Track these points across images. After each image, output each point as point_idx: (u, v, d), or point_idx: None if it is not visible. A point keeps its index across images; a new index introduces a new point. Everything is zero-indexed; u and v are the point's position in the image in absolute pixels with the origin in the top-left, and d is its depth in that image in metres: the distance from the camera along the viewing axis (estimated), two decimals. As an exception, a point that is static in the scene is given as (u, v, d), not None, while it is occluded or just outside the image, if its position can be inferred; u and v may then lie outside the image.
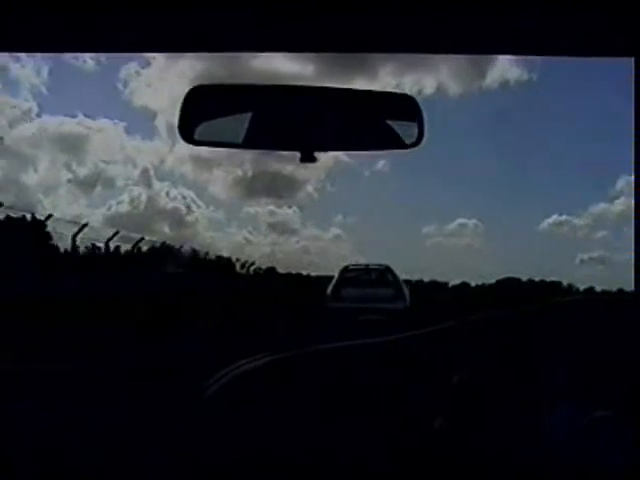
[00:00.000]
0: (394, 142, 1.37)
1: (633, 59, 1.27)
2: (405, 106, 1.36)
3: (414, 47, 1.35)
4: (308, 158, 1.32)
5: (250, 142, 1.37)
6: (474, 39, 1.30)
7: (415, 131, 1.34)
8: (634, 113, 1.27)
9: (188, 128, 1.35)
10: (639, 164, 1.26)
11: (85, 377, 1.36)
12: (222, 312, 13.28)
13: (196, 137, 1.35)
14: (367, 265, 16.34)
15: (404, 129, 1.36)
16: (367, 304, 14.13)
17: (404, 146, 1.36)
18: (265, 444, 1.19)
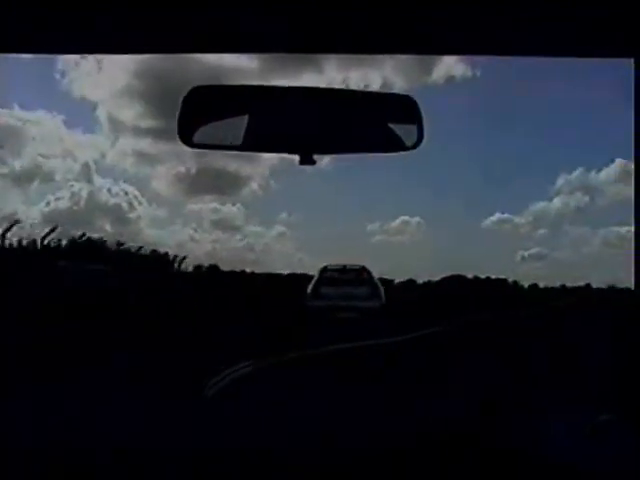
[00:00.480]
0: (394, 144, 1.36)
1: (633, 60, 1.26)
2: (405, 108, 1.35)
3: (412, 48, 1.35)
4: (307, 160, 1.31)
5: (249, 145, 1.37)
6: (473, 39, 1.30)
7: (415, 133, 1.34)
8: (634, 113, 1.27)
9: (187, 130, 1.34)
10: (639, 164, 1.26)
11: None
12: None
13: (195, 140, 1.35)
14: (344, 265, 17.05)
15: (403, 131, 1.35)
16: (344, 302, 14.87)
17: (404, 148, 1.36)
18: (265, 444, 1.19)
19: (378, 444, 1.13)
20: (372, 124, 1.38)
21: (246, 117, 1.36)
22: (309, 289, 16.22)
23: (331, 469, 1.13)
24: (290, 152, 1.33)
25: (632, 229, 1.29)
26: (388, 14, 1.23)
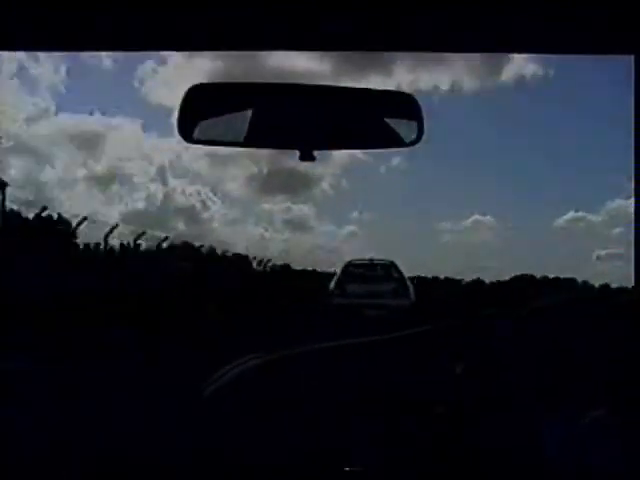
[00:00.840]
0: (393, 140, 1.37)
1: (633, 57, 1.26)
2: (405, 104, 1.36)
3: (417, 46, 1.35)
4: (307, 156, 1.31)
5: (250, 141, 1.37)
6: (475, 38, 1.30)
7: (415, 129, 1.34)
8: (634, 111, 1.27)
9: (187, 127, 1.34)
10: (639, 164, 1.26)
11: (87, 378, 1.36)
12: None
13: (195, 136, 1.35)
14: (371, 260, 16.22)
15: (403, 127, 1.35)
16: (371, 300, 13.97)
17: (403, 144, 1.36)
18: (264, 444, 1.19)
19: (379, 444, 1.14)
20: (371, 120, 1.38)
21: (246, 114, 1.36)
22: (331, 285, 15.35)
23: (331, 469, 1.14)
24: (290, 148, 1.33)
25: (632, 228, 1.29)
26: (389, 11, 1.23)
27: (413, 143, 1.35)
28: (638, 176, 1.26)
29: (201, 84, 1.36)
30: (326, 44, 1.36)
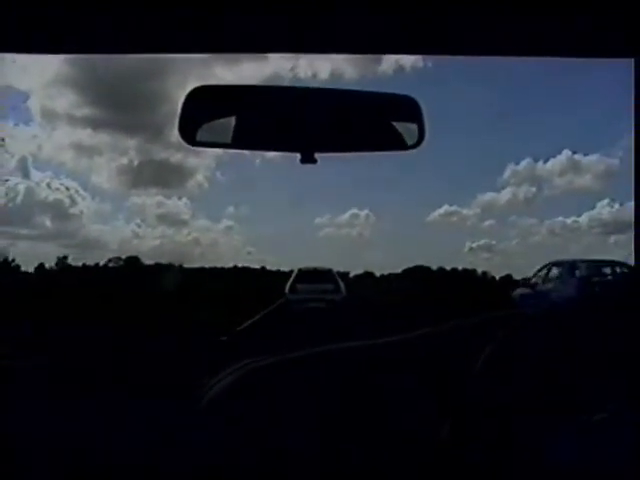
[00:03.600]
0: (395, 143, 1.37)
1: (633, 60, 1.27)
2: (406, 107, 1.36)
3: (413, 48, 1.35)
4: (308, 159, 1.32)
5: (251, 143, 1.38)
6: (473, 40, 1.30)
7: (416, 132, 1.35)
8: (634, 114, 1.27)
9: (189, 129, 1.34)
10: (639, 163, 1.27)
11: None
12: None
13: (197, 138, 1.35)
14: (315, 267, 21.23)
15: (405, 130, 1.36)
16: (314, 295, 19.21)
17: (405, 147, 1.37)
18: (262, 449, 1.19)
19: (379, 447, 1.13)
20: (373, 123, 1.39)
21: (248, 116, 1.36)
22: (287, 286, 20.52)
23: (331, 470, 1.13)
24: (291, 151, 1.34)
25: (632, 228, 1.29)
26: (388, 14, 1.23)
27: (414, 146, 1.35)
28: (638, 172, 1.27)
29: (202, 86, 1.36)
30: (325, 47, 1.36)
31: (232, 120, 1.38)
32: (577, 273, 15.78)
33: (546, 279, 16.23)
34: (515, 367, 1.23)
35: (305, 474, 1.21)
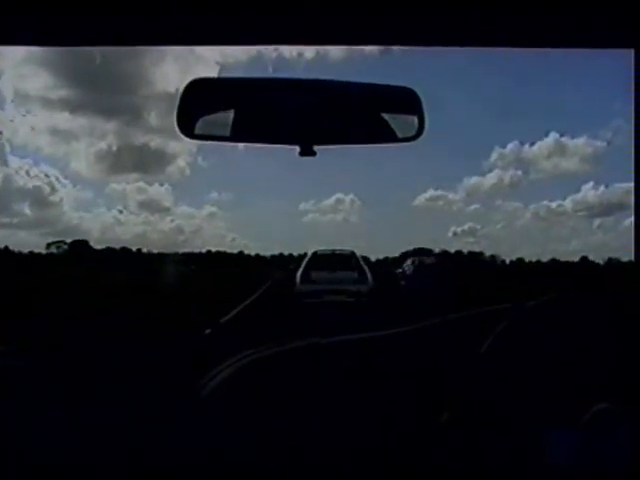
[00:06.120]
0: (394, 135, 1.37)
1: (633, 51, 1.26)
2: (405, 99, 1.36)
3: (412, 40, 1.34)
4: (308, 152, 1.32)
5: (250, 136, 1.38)
6: (472, 32, 1.30)
7: (415, 124, 1.35)
8: (634, 106, 1.27)
9: (187, 122, 1.34)
10: (639, 163, 1.26)
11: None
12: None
13: (196, 131, 1.35)
14: (333, 250, 17.52)
15: (404, 122, 1.36)
16: (334, 286, 15.15)
17: (404, 139, 1.37)
18: (264, 441, 1.19)
19: (378, 443, 1.13)
20: (372, 115, 1.39)
21: (246, 109, 1.36)
22: (298, 274, 16.44)
23: (331, 468, 1.14)
24: (291, 143, 1.34)
25: (632, 229, 1.29)
26: (387, 6, 1.23)
27: (414, 138, 1.35)
28: (638, 168, 1.26)
29: (201, 79, 1.36)
30: (325, 38, 1.35)
31: (231, 113, 1.37)
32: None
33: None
34: (514, 361, 1.23)
35: (308, 466, 1.21)
